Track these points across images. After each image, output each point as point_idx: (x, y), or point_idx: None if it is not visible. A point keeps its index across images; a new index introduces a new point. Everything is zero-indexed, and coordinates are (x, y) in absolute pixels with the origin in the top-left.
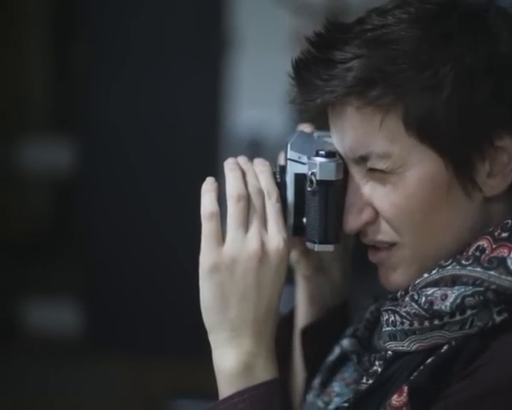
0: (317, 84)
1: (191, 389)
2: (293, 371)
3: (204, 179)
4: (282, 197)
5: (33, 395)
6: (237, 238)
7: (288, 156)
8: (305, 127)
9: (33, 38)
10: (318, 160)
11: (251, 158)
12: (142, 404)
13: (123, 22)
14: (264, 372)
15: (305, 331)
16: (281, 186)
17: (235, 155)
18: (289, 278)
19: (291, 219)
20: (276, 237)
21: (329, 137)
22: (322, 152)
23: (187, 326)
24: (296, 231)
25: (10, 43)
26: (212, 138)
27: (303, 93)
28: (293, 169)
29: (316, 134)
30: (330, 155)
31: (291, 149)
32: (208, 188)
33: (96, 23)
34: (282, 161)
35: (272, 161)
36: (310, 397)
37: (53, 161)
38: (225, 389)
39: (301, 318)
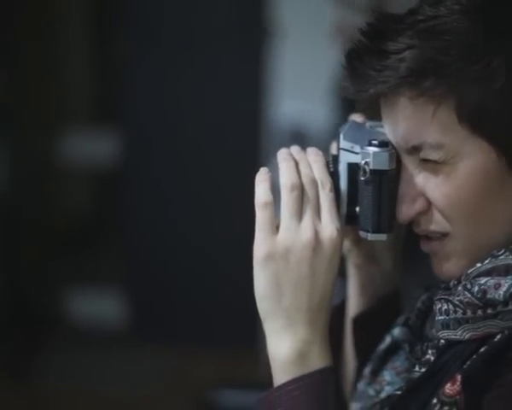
0: (369, 74)
1: (234, 381)
2: (344, 360)
3: (246, 170)
4: (335, 187)
5: (76, 384)
6: (291, 228)
7: (341, 146)
8: (357, 117)
9: (76, 30)
10: (371, 149)
11: None
12: (184, 394)
13: (163, 14)
14: (318, 360)
15: (357, 320)
16: (334, 176)
17: (277, 147)
18: (339, 270)
19: (344, 209)
20: (329, 226)
21: (381, 127)
22: (376, 142)
23: (230, 317)
24: (349, 220)
25: (53, 36)
26: (254, 130)
27: (356, 83)
28: (345, 159)
29: (368, 124)
30: (383, 144)
31: (344, 138)
32: (262, 178)
33: (137, 15)
34: (334, 151)
35: None
36: (361, 385)
37: (94, 153)
38: (280, 376)
39: (352, 307)
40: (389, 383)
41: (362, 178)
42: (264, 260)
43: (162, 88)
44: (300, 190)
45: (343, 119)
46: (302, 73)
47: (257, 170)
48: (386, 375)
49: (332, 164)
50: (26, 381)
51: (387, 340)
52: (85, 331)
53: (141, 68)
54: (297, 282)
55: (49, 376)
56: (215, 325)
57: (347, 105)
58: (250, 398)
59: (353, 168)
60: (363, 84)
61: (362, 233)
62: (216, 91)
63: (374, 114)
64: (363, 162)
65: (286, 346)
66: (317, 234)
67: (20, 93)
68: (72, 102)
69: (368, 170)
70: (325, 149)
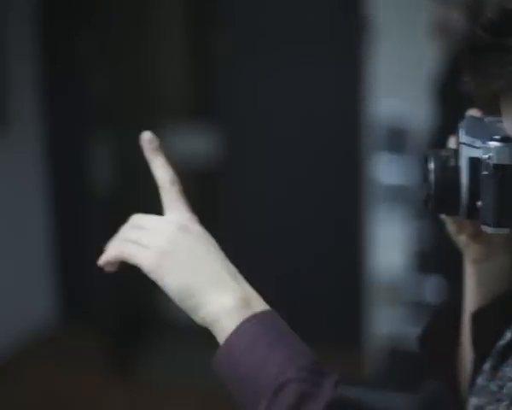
0: (491, 70)
1: None
2: (462, 355)
3: (346, 167)
4: (456, 181)
5: (181, 380)
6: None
7: (462, 140)
8: (475, 112)
9: (176, 30)
10: (494, 144)
11: (391, 146)
12: None
13: (262, 11)
14: (262, 305)
15: (475, 316)
16: (455, 170)
17: (377, 144)
18: (439, 269)
19: (465, 202)
20: (165, 221)
21: (500, 122)
22: (498, 136)
23: (333, 313)
24: (470, 213)
25: (153, 35)
26: (353, 127)
27: (477, 78)
28: (467, 153)
29: (486, 119)
30: (506, 139)
31: (465, 133)
32: (106, 257)
33: (237, 11)
34: (453, 145)
35: (415, 148)
36: (480, 381)
37: (196, 151)
38: (231, 324)
39: (470, 302)
40: (511, 380)
41: (484, 173)
42: (155, 271)
43: (262, 86)
44: (130, 249)
45: (441, 116)
46: (401, 71)
47: (357, 167)
48: (508, 371)
49: (453, 158)
50: (133, 375)
51: (508, 336)
52: (181, 327)
53: (241, 66)
54: (195, 257)
55: (154, 371)
56: (318, 320)
57: (444, 102)
58: (353, 393)
59: (475, 162)
60: (483, 80)
61: (483, 227)
62: (314, 88)
63: (492, 109)
64: (485, 157)
65: (230, 297)
66: (164, 234)
67: (122, 93)
68: (174, 100)
69: (490, 164)
70: (421, 146)
